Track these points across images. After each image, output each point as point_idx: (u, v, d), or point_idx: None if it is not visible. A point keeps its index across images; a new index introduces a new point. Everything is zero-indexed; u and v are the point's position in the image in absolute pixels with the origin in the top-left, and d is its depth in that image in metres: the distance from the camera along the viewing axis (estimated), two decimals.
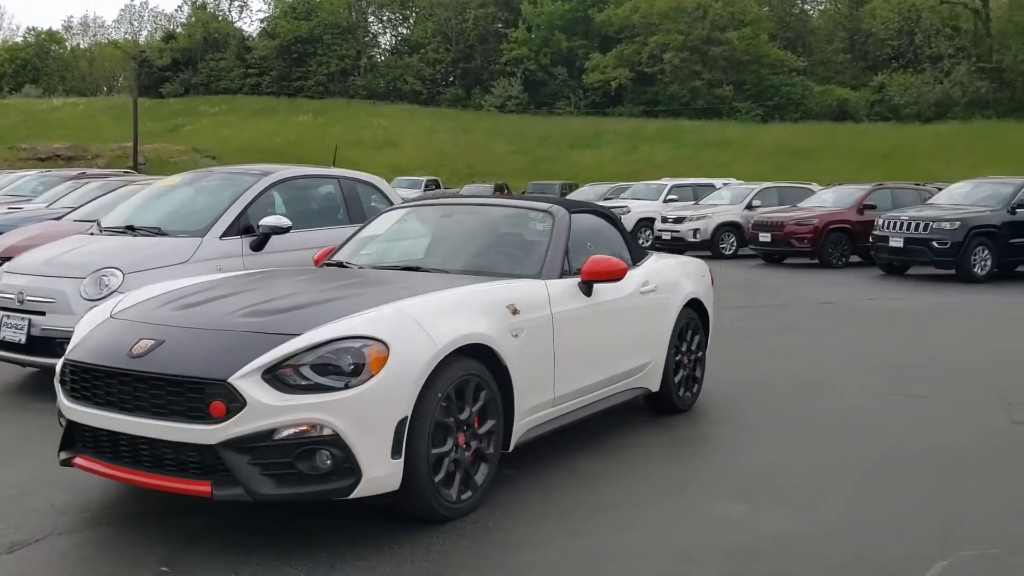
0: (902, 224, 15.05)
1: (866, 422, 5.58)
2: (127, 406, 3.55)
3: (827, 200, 18.62)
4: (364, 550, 3.50)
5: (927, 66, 55.30)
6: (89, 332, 3.96)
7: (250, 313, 3.82)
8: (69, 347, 3.92)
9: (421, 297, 3.95)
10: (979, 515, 3.97)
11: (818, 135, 53.55)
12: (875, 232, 15.63)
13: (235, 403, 3.36)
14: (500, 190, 32.44)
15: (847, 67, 60.86)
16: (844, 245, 16.95)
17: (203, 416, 3.40)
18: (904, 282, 14.35)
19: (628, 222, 21.99)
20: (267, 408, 3.36)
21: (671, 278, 5.63)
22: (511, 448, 4.14)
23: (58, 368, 3.89)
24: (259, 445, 3.37)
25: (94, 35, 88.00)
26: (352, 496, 3.44)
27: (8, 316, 6.21)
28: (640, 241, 19.57)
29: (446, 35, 67.60)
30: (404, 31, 72.99)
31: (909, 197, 18.61)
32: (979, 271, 14.43)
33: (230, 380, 3.38)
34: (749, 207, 20.08)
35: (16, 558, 3.47)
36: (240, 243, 6.69)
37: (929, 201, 17.38)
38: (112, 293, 6.03)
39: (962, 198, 16.21)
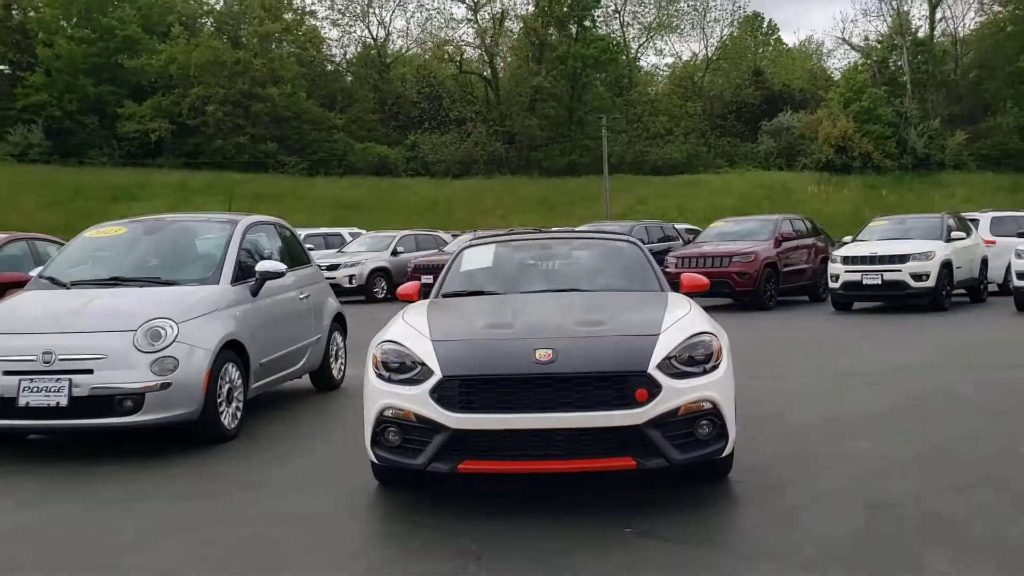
0: None
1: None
2: (547, 405, 4.16)
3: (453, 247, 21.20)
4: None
5: (452, 127, 62.00)
6: (439, 354, 4.35)
7: (581, 323, 4.61)
8: (438, 368, 4.27)
9: (673, 304, 5.03)
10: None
11: (364, 188, 57.00)
12: None
13: (655, 388, 4.23)
14: None
15: (380, 126, 65.55)
16: None
17: (629, 402, 4.19)
18: None
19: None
20: (675, 391, 4.28)
21: None
22: None
23: (427, 388, 4.25)
24: (669, 421, 4.26)
25: None
26: (723, 455, 4.48)
27: (32, 380, 5.63)
28: None
29: None
30: None
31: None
32: None
33: (649, 371, 4.24)
34: (394, 253, 21.84)
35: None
36: (245, 289, 6.74)
37: None
38: (170, 344, 5.84)
39: None
